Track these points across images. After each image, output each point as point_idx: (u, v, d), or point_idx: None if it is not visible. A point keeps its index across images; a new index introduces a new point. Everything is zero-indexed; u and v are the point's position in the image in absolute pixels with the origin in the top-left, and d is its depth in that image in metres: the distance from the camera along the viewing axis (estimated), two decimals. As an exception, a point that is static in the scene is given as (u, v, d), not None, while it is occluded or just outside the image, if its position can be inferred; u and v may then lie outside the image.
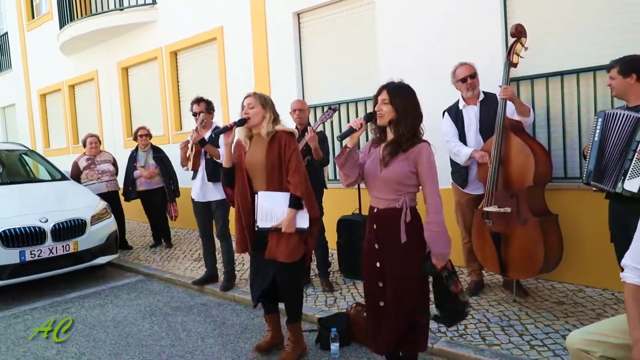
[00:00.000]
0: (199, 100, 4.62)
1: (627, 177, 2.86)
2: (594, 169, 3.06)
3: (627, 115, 2.90)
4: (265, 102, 3.23)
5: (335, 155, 2.64)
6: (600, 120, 3.08)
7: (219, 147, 4.46)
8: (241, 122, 3.19)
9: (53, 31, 10.48)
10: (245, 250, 3.33)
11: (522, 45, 3.82)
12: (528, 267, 3.79)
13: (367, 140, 3.68)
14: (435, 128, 4.27)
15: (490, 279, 4.54)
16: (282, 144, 3.17)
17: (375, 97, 2.59)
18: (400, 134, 2.50)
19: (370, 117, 2.55)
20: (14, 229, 4.89)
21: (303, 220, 3.19)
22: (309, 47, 6.23)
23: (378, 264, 2.63)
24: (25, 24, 12.21)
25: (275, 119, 3.26)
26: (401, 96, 2.50)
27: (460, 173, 4.18)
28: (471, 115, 4.08)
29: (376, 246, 2.64)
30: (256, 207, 3.17)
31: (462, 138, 4.10)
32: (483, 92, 4.09)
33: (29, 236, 4.95)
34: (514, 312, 3.80)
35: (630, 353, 2.06)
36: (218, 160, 4.40)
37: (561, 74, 4.28)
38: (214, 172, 4.49)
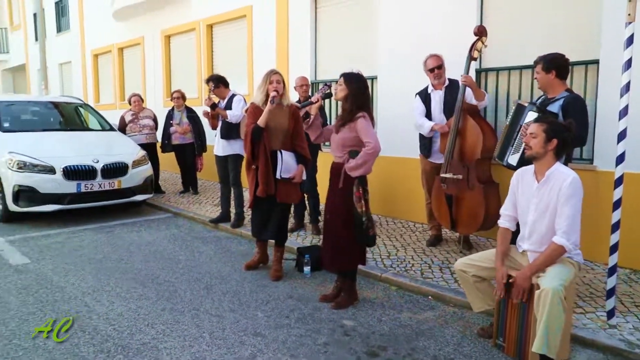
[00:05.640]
0: (208, 80, 5.90)
1: (511, 153, 3.75)
2: (500, 148, 3.94)
3: (523, 106, 3.75)
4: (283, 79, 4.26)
5: (309, 124, 3.74)
6: (514, 108, 3.92)
7: (227, 110, 5.64)
8: (328, 96, 3.81)
9: (107, -2, 11.70)
10: (270, 192, 4.15)
11: (483, 44, 4.54)
12: (471, 224, 4.74)
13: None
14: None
15: (450, 235, 5.49)
16: (298, 117, 4.19)
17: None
18: (344, 108, 3.50)
19: (328, 95, 3.55)
20: (73, 165, 6.16)
21: (305, 174, 4.38)
22: (323, 29, 7.17)
23: (328, 202, 3.71)
24: (83, -12, 13.50)
25: None
26: (350, 82, 3.49)
27: (425, 145, 5.07)
28: (437, 98, 4.92)
29: (329, 188, 3.70)
30: (279, 161, 4.15)
31: (429, 116, 4.95)
32: (449, 78, 4.89)
33: (84, 173, 6.22)
34: (456, 258, 4.73)
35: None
36: (227, 119, 5.52)
37: (509, 69, 5.12)
38: (226, 131, 5.61)
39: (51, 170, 6.05)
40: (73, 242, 5.47)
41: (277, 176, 4.16)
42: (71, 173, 6.13)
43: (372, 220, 3.61)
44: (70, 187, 6.11)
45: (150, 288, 4.12)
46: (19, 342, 3.15)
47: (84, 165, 6.23)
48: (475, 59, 4.66)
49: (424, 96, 5.01)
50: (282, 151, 4.18)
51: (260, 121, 4.11)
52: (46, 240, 5.52)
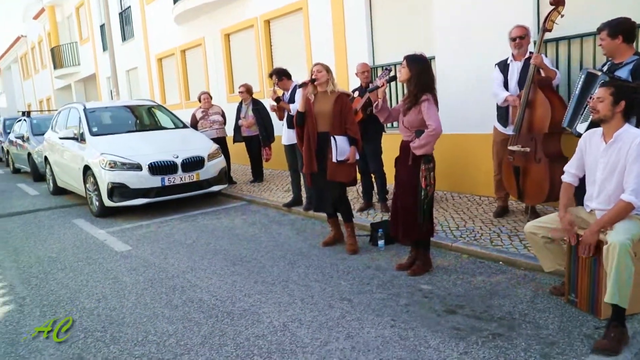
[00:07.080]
0: (271, 74, 6.24)
1: (580, 122, 3.83)
2: (569, 116, 4.03)
3: (596, 75, 3.81)
4: (328, 69, 4.64)
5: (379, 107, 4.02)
6: (583, 76, 3.95)
7: (291, 101, 5.98)
8: (393, 79, 4.25)
9: (167, 4, 12.37)
10: (312, 170, 4.66)
11: (559, 13, 4.42)
12: (536, 196, 4.85)
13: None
14: (476, 77, 5.28)
15: (517, 205, 5.61)
16: (344, 103, 4.59)
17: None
18: (409, 90, 3.75)
19: (392, 79, 3.82)
20: (157, 161, 6.76)
21: (357, 154, 4.69)
22: (378, 14, 7.37)
23: (398, 178, 3.99)
24: (144, -2, 14.31)
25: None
26: (413, 63, 3.73)
27: (501, 115, 5.10)
28: (514, 69, 4.95)
29: (400, 164, 3.99)
30: (334, 147, 4.51)
31: (505, 86, 5.00)
32: (530, 51, 4.85)
33: (167, 168, 6.81)
34: (524, 227, 4.89)
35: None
36: (290, 113, 5.88)
37: (569, 38, 5.11)
38: (291, 121, 5.96)
39: (138, 167, 6.68)
40: (164, 231, 6.06)
41: (334, 160, 4.52)
42: (156, 169, 6.73)
43: (431, 199, 3.90)
44: (156, 181, 6.72)
45: (240, 265, 4.56)
46: (142, 311, 3.67)
47: (166, 161, 6.82)
48: (549, 30, 4.49)
49: (503, 66, 5.05)
50: (336, 137, 4.52)
51: (300, 107, 4.64)
52: (140, 230, 6.14)
